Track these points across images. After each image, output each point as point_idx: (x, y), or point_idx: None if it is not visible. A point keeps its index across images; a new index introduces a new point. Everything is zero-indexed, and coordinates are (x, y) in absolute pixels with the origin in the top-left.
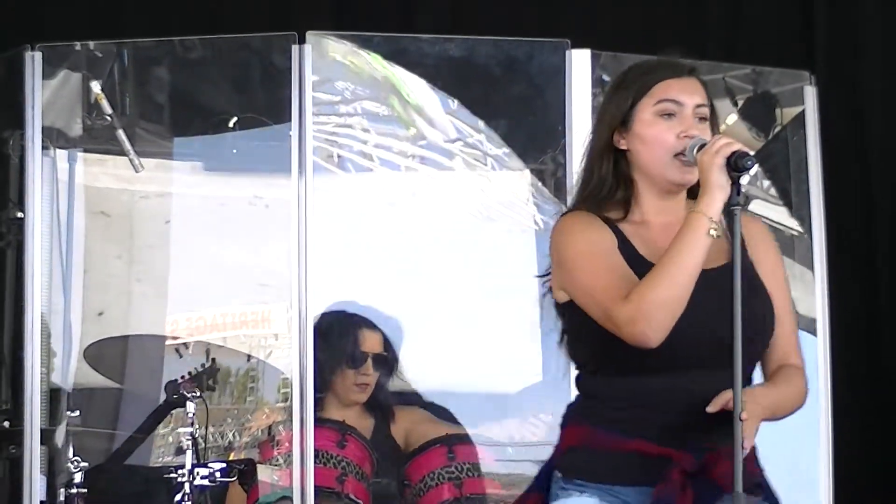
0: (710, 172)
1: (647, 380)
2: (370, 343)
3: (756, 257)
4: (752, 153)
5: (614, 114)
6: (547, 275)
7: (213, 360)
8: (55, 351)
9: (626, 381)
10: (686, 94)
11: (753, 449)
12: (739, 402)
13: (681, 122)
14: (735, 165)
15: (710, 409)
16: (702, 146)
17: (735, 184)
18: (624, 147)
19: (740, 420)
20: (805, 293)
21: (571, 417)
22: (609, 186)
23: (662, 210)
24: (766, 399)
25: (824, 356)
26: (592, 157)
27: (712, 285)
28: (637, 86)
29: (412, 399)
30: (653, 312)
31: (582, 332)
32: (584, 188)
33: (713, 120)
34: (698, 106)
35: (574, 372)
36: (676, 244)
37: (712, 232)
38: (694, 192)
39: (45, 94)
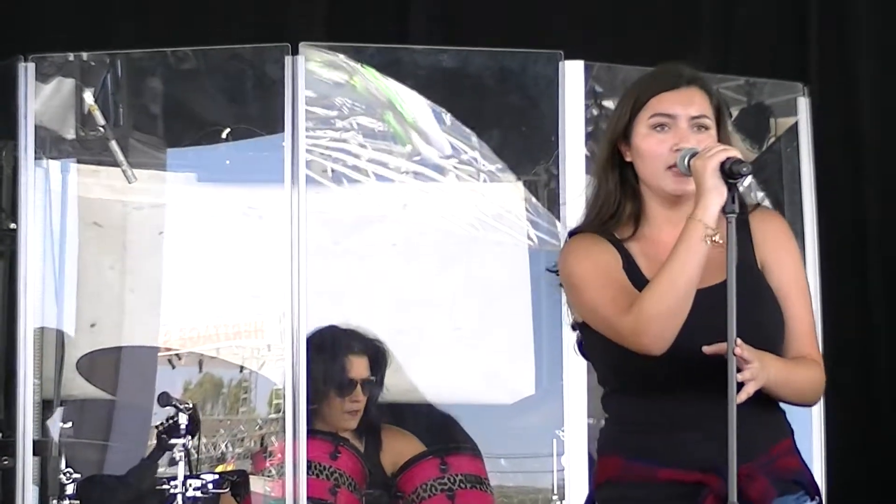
0: (703, 177)
1: (664, 401)
2: (357, 369)
3: (769, 260)
4: (745, 160)
5: (614, 127)
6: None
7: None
8: (47, 362)
9: (645, 404)
10: (680, 105)
11: (792, 441)
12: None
13: (674, 134)
14: (730, 172)
15: (707, 350)
16: (693, 155)
17: (730, 190)
18: (629, 159)
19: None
20: None
21: (605, 447)
22: (617, 200)
23: (671, 220)
24: (774, 363)
25: None
26: (598, 172)
27: (715, 302)
28: (634, 99)
29: (405, 412)
30: (651, 324)
31: (597, 353)
32: (594, 205)
33: (722, 123)
34: (695, 117)
35: (565, 385)
36: (672, 254)
37: (708, 238)
38: None
39: (37, 104)
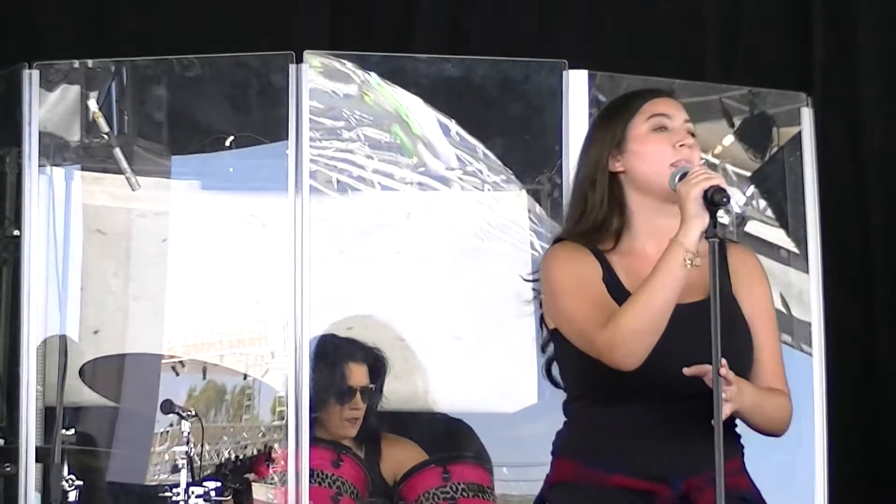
0: (687, 203)
1: (626, 410)
2: (357, 377)
3: (742, 292)
4: (728, 190)
5: (605, 141)
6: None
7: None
8: (51, 369)
9: (607, 411)
10: (673, 108)
11: (741, 461)
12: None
13: (674, 133)
14: (711, 200)
15: (687, 371)
16: (683, 175)
17: (712, 217)
18: (619, 169)
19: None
20: (802, 312)
21: (561, 449)
22: (604, 213)
23: (655, 233)
24: (749, 389)
25: (820, 375)
26: (584, 186)
27: (690, 319)
28: (626, 109)
29: (407, 420)
30: (626, 340)
31: (566, 359)
32: (578, 218)
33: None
34: (686, 121)
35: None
36: (652, 275)
37: (688, 263)
38: None
39: (42, 111)
